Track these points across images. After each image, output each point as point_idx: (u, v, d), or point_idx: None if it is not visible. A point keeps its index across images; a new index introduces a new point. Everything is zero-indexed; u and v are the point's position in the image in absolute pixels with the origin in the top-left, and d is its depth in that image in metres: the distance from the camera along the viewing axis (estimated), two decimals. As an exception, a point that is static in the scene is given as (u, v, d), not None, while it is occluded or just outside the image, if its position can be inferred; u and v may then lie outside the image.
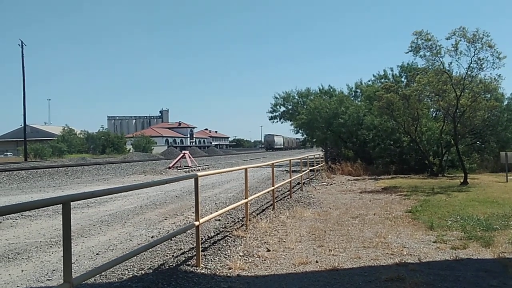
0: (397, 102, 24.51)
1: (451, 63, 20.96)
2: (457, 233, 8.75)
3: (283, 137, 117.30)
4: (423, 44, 19.53)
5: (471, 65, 19.26)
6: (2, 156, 72.02)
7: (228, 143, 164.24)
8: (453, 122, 20.79)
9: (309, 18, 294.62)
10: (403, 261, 6.76)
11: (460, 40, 18.66)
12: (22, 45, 50.61)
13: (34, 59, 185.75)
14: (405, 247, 7.67)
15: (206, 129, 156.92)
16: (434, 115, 30.46)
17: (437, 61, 19.97)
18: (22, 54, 50.59)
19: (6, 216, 10.03)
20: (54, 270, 6.58)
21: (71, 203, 3.73)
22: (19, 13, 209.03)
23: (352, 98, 38.48)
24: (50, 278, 6.22)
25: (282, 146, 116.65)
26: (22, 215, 11.21)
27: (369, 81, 39.52)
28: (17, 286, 5.94)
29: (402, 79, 35.19)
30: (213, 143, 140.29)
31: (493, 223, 9.62)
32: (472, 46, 18.59)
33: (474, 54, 18.83)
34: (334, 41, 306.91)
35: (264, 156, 62.24)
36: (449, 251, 7.43)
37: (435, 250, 7.53)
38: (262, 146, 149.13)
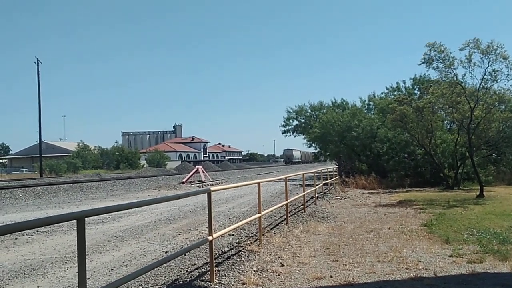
0: (411, 114, 24.40)
1: (464, 74, 20.93)
2: (473, 247, 8.63)
3: (300, 151, 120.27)
4: (436, 56, 19.48)
5: (485, 76, 19.17)
6: (18, 172, 72.90)
7: (241, 157, 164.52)
8: (468, 134, 20.61)
9: (321, 31, 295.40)
10: (419, 276, 6.68)
11: (474, 51, 18.59)
12: (37, 63, 51.56)
13: (48, 76, 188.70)
14: (420, 261, 7.58)
15: (219, 144, 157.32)
16: (448, 127, 30.24)
17: (450, 72, 19.90)
18: (38, 71, 51.55)
19: (22, 232, 10.16)
20: (69, 286, 6.62)
21: (86, 218, 3.78)
22: (34, 29, 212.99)
23: (365, 111, 38.38)
24: (65, 294, 6.26)
25: (299, 160, 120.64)
26: (37, 231, 11.31)
27: (382, 93, 39.48)
28: (33, 302, 5.98)
29: (415, 91, 35.05)
30: (226, 157, 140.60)
31: (510, 236, 9.47)
32: (486, 57, 18.50)
33: (488, 66, 18.75)
34: (347, 53, 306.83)
35: (277, 170, 62.18)
36: (465, 265, 7.32)
37: (451, 264, 7.43)
38: (276, 160, 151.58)
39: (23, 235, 10.79)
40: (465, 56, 18.94)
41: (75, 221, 3.67)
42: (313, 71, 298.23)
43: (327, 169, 29.10)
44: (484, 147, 23.89)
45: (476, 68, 19.09)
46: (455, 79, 19.98)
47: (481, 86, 19.53)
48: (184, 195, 6.40)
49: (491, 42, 18.35)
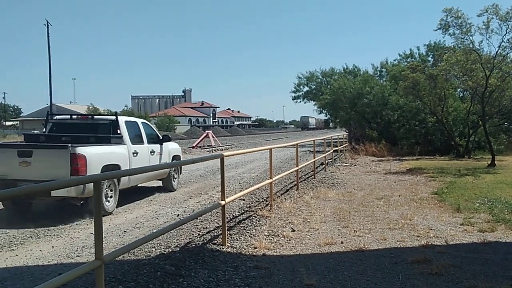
0: (423, 82, 24.06)
1: (481, 41, 20.39)
2: (485, 216, 8.61)
3: (315, 118, 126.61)
4: (453, 22, 19.00)
5: (503, 43, 18.75)
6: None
7: (250, 123, 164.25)
8: (481, 103, 20.32)
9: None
10: (430, 243, 6.70)
11: (492, 17, 18.11)
12: (47, 25, 50.97)
13: (59, 37, 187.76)
14: (431, 229, 7.60)
15: (229, 109, 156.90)
16: (461, 95, 29.83)
17: (466, 39, 19.47)
18: (48, 34, 50.94)
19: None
20: (83, 247, 6.73)
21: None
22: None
23: (377, 78, 37.82)
24: (80, 255, 6.37)
25: (314, 126, 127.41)
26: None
27: (394, 60, 38.72)
28: (49, 262, 6.09)
29: (429, 59, 34.39)
30: (235, 123, 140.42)
31: (522, 206, 9.44)
32: (505, 24, 18.03)
33: (506, 33, 18.30)
34: (360, 17, 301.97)
35: (286, 137, 62.16)
36: (476, 233, 7.33)
37: (462, 232, 7.44)
38: (285, 126, 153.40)
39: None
40: (483, 22, 18.50)
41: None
42: (325, 36, 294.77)
43: (337, 136, 29.01)
44: (496, 116, 23.59)
45: (494, 35, 18.67)
46: (471, 46, 19.56)
47: (498, 54, 19.13)
48: (198, 160, 6.42)
49: (510, 8, 17.85)
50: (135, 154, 10.47)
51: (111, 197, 9.22)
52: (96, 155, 8.93)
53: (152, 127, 12.82)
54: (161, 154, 11.99)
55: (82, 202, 9.02)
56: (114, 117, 10.81)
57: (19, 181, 8.29)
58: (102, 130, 10.69)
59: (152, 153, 11.52)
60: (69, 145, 8.61)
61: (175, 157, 13.09)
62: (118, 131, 10.44)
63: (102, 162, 9.02)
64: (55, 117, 12.12)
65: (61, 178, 7.72)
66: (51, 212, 9.41)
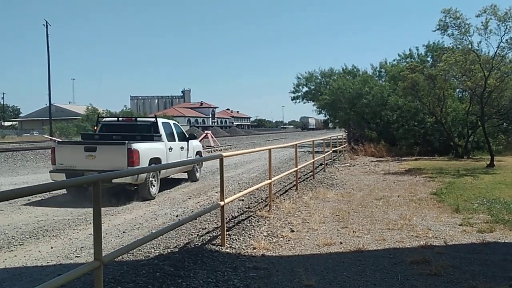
0: (422, 82, 24.08)
1: (480, 42, 20.43)
2: (484, 216, 8.62)
3: (315, 118, 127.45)
4: (452, 23, 19.03)
5: (501, 44, 18.78)
6: (28, 134, 73.45)
7: (249, 123, 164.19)
8: (480, 103, 20.34)
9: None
10: (429, 244, 6.71)
11: (491, 18, 18.14)
12: (46, 25, 50.92)
13: (58, 37, 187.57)
14: (430, 230, 7.60)
15: (228, 109, 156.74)
16: (460, 95, 29.84)
17: (465, 40, 19.50)
18: (47, 34, 50.92)
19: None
20: (82, 247, 6.73)
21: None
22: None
23: (376, 78, 37.84)
24: (79, 255, 6.37)
25: (314, 127, 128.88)
26: (50, 192, 11.43)
27: (394, 60, 38.72)
28: (48, 263, 6.09)
29: (428, 59, 34.41)
30: (234, 123, 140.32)
31: (520, 206, 9.44)
32: (503, 24, 18.06)
33: (505, 33, 18.33)
34: (360, 18, 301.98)
35: (286, 137, 62.17)
36: (475, 234, 7.34)
37: (461, 233, 7.45)
38: (284, 126, 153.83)
39: (36, 196, 10.91)
40: (482, 23, 18.53)
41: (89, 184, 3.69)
42: (324, 37, 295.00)
43: (337, 136, 29.02)
44: (495, 116, 23.61)
45: (492, 36, 18.70)
46: (470, 46, 19.59)
47: (497, 54, 19.16)
48: (196, 160, 6.41)
49: (509, 9, 17.85)
50: (170, 150, 12.79)
51: (154, 185, 11.43)
52: (145, 150, 11.19)
53: (180, 127, 14.99)
54: (187, 150, 14.28)
55: (135, 187, 11.06)
56: (154, 119, 13.29)
57: (86, 171, 10.43)
58: (145, 130, 12.94)
59: (182, 149, 13.82)
60: (126, 142, 10.75)
61: (198, 153, 15.47)
62: (158, 131, 12.69)
63: (149, 155, 11.32)
64: (104, 120, 14.77)
65: (120, 168, 10.06)
66: (108, 196, 10.45)
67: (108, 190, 10.83)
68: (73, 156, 11.01)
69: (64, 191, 11.13)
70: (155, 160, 11.61)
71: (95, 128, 14.04)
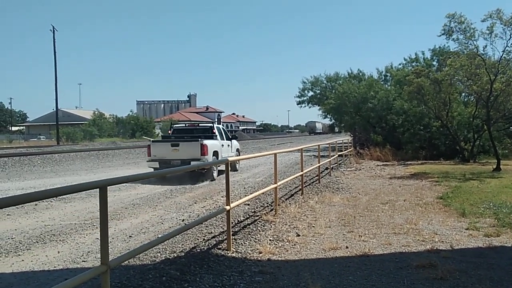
0: (428, 86, 24.04)
1: (485, 46, 20.40)
2: (490, 220, 8.59)
3: (321, 123, 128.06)
4: (456, 27, 19.04)
5: (507, 48, 18.75)
6: (35, 139, 73.78)
7: (255, 127, 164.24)
8: (486, 107, 20.28)
9: None
10: (435, 248, 6.69)
11: (496, 22, 18.13)
12: (53, 30, 51.22)
13: (65, 43, 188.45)
14: (436, 234, 7.59)
15: (234, 114, 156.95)
16: (465, 99, 29.74)
17: (470, 44, 19.49)
18: (54, 39, 51.19)
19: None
20: (89, 252, 6.75)
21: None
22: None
23: (382, 83, 37.83)
24: (85, 260, 6.39)
25: (321, 131, 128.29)
26: (57, 197, 11.50)
27: (399, 64, 38.68)
28: (55, 267, 6.12)
29: (434, 63, 34.32)
30: (240, 127, 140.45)
31: (527, 210, 9.40)
32: (509, 29, 18.05)
33: (510, 37, 18.30)
34: (366, 22, 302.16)
35: (291, 141, 62.12)
36: (482, 238, 7.32)
37: (467, 237, 7.43)
38: (290, 130, 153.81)
39: (43, 201, 10.97)
40: (487, 27, 18.52)
41: (94, 189, 3.71)
42: (330, 41, 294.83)
43: (342, 140, 28.99)
44: (501, 120, 23.53)
45: (498, 40, 18.69)
46: (476, 51, 19.56)
47: (503, 58, 19.11)
48: (203, 165, 6.44)
49: (514, 13, 17.85)
50: (222, 146, 17.84)
51: (215, 171, 16.38)
52: (211, 145, 16.37)
53: (225, 130, 20.14)
54: (231, 146, 19.39)
55: (205, 171, 15.32)
56: (211, 124, 19.26)
57: (172, 160, 15.75)
58: (205, 132, 18.21)
59: (228, 146, 18.84)
60: (199, 138, 16.10)
61: (237, 149, 20.60)
62: (214, 132, 17.90)
63: (212, 148, 16.46)
64: (175, 125, 20.73)
65: (195, 157, 15.41)
66: (188, 177, 15.26)
67: (189, 173, 14.91)
68: (163, 150, 16.11)
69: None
70: (215, 152, 16.72)
71: (169, 131, 19.93)
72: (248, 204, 10.34)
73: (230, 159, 7.16)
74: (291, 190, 12.92)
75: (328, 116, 41.39)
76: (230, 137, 19.72)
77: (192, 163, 14.29)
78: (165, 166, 15.20)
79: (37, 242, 7.41)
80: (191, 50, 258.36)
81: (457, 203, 10.41)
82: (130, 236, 7.76)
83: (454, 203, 10.52)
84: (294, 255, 6.55)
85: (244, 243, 7.05)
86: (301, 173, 12.48)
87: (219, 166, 16.45)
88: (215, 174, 16.25)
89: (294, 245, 7.06)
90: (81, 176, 17.93)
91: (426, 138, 28.27)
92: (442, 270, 5.52)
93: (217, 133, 17.94)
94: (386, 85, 37.34)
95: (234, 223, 8.36)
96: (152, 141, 17.26)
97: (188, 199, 11.84)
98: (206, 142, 15.89)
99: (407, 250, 6.69)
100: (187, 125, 19.80)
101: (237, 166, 19.56)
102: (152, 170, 15.26)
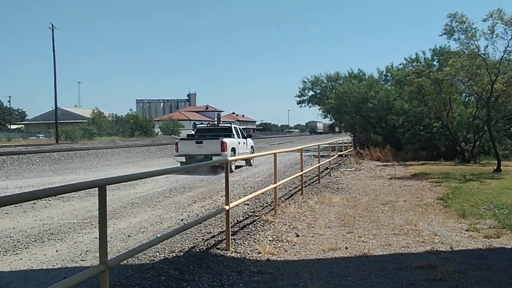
0: (428, 87, 24.01)
1: (486, 46, 20.38)
2: (490, 222, 8.57)
3: (322, 123, 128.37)
4: (458, 27, 19.03)
5: (508, 48, 18.73)
6: (34, 138, 73.75)
7: (255, 127, 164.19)
8: (487, 107, 20.25)
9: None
10: (435, 249, 6.67)
11: (497, 22, 18.09)
12: (52, 29, 51.14)
13: (63, 41, 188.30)
14: (436, 235, 7.57)
15: (233, 113, 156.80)
16: (466, 100, 29.72)
17: (471, 44, 19.47)
18: (53, 37, 51.08)
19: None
20: (87, 251, 6.74)
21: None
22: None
23: (382, 83, 37.79)
24: (84, 259, 6.38)
25: (322, 131, 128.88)
26: (56, 196, 11.47)
27: (400, 64, 38.62)
28: (53, 266, 6.10)
29: (434, 63, 34.29)
30: (240, 127, 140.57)
31: (527, 212, 9.38)
32: (510, 28, 18.02)
33: (511, 37, 18.28)
34: (366, 22, 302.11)
35: (291, 141, 62.13)
36: (482, 239, 7.30)
37: (467, 238, 7.41)
38: (290, 130, 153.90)
39: (41, 200, 10.96)
40: (488, 27, 18.50)
41: (93, 188, 3.69)
42: (330, 41, 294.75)
43: (342, 140, 28.97)
44: (502, 120, 23.50)
45: (499, 40, 18.66)
46: (477, 51, 19.53)
47: (504, 59, 19.09)
48: (203, 164, 6.42)
49: (515, 13, 17.83)
50: (239, 143, 20.57)
51: (233, 164, 19.02)
52: (229, 142, 18.95)
53: (241, 129, 22.87)
54: (246, 144, 22.14)
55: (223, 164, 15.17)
56: (229, 124, 22.44)
57: (196, 155, 18.49)
58: (225, 131, 20.67)
59: (244, 144, 21.62)
60: (219, 136, 18.69)
61: (252, 147, 23.40)
62: (232, 131, 20.65)
63: (231, 145, 19.02)
64: (198, 126, 23.49)
65: (216, 152, 17.93)
66: (209, 170, 17.65)
67: (210, 167, 16.90)
68: (188, 146, 18.88)
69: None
70: (233, 149, 19.29)
71: (193, 131, 22.54)
72: (248, 204, 10.32)
73: (229, 158, 7.15)
74: (290, 190, 12.90)
75: (328, 116, 41.36)
76: (246, 136, 22.52)
77: (214, 158, 16.41)
78: (191, 161, 18.41)
79: (36, 241, 7.39)
80: (191, 50, 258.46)
81: (457, 204, 10.39)
82: (129, 236, 7.74)
83: (454, 204, 10.50)
84: (293, 255, 6.54)
85: (243, 243, 7.04)
86: (301, 173, 12.46)
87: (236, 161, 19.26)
88: (233, 167, 18.92)
89: (294, 245, 7.04)
90: (80, 175, 17.92)
91: (427, 139, 28.25)
92: (442, 271, 5.50)
93: (234, 132, 20.75)
94: (387, 85, 37.31)
95: (233, 223, 8.34)
96: (180, 139, 19.96)
97: (187, 199, 11.82)
98: (226, 140, 18.57)
99: (407, 251, 6.67)
100: (208, 125, 22.91)
101: (252, 162, 22.07)
102: (179, 164, 18.30)
